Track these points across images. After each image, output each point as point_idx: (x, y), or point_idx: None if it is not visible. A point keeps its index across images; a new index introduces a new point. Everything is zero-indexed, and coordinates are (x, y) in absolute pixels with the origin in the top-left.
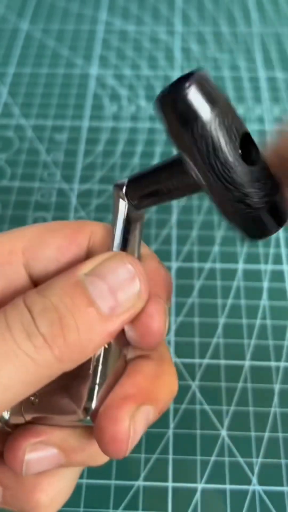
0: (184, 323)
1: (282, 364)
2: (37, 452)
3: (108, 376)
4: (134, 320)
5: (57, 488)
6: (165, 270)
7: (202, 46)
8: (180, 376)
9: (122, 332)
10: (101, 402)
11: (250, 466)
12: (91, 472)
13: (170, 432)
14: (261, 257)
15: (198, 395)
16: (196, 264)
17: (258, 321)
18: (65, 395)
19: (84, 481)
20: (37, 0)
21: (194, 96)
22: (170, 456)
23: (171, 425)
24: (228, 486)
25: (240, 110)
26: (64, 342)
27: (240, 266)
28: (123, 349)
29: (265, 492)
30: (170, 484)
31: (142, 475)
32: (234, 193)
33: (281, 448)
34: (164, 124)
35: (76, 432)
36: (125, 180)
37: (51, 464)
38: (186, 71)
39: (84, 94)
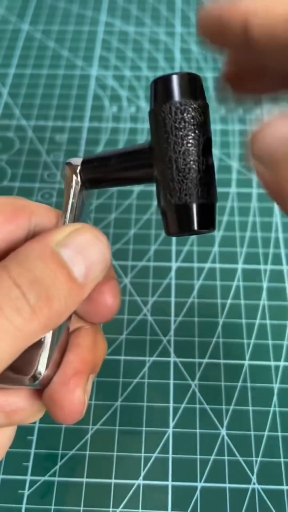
0: (184, 323)
1: (282, 363)
2: None
3: (58, 346)
4: (94, 297)
5: None
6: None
7: (202, 46)
8: (180, 376)
9: None
10: (51, 369)
11: (250, 465)
12: (91, 471)
13: (170, 431)
14: (261, 257)
15: (198, 394)
16: (196, 264)
17: (257, 321)
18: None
19: (84, 480)
20: (38, 1)
21: (185, 84)
22: (170, 455)
23: (171, 424)
24: (227, 485)
25: (240, 110)
26: (49, 310)
27: (240, 266)
28: (68, 322)
29: (265, 491)
30: (170, 483)
31: (142, 474)
32: (180, 183)
33: (281, 447)
34: (154, 96)
35: (20, 394)
36: (79, 160)
37: None
38: (186, 71)
39: (84, 95)
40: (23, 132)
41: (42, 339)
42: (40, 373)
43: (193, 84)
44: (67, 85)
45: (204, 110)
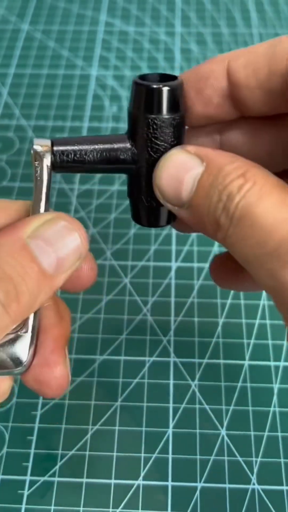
0: (184, 323)
1: (281, 363)
2: None
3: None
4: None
5: None
6: None
7: (202, 46)
8: (180, 376)
9: None
10: (33, 354)
11: (250, 465)
12: (91, 471)
13: (170, 431)
14: None
15: (198, 394)
16: (196, 264)
17: (257, 321)
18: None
19: (84, 480)
20: (38, 1)
21: (166, 96)
22: (170, 456)
23: (171, 424)
24: (227, 486)
25: None
26: (18, 305)
27: None
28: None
29: (265, 491)
30: (169, 483)
31: (142, 474)
32: (146, 183)
33: (280, 448)
34: (133, 99)
35: None
36: (47, 144)
37: None
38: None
39: (84, 94)
40: (23, 132)
41: (24, 330)
42: (26, 361)
43: (179, 94)
44: (67, 85)
45: (184, 119)
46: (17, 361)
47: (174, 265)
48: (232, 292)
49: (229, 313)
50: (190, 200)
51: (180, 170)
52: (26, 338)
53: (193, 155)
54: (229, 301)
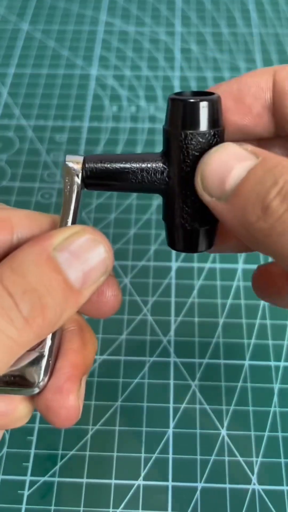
0: (184, 323)
1: (282, 363)
2: None
3: (53, 352)
4: (93, 296)
5: None
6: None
7: (202, 46)
8: (180, 376)
9: None
10: (49, 376)
11: (250, 465)
12: (91, 471)
13: (170, 431)
14: (261, 257)
15: (198, 394)
16: (196, 264)
17: (257, 321)
18: (15, 371)
19: (84, 480)
20: (38, 0)
21: (203, 111)
22: (170, 456)
23: (171, 424)
24: (228, 486)
25: None
26: (43, 320)
27: (240, 266)
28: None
29: (265, 491)
30: (170, 484)
31: (142, 474)
32: (181, 201)
33: (281, 448)
34: (169, 116)
35: (4, 399)
36: (79, 160)
37: None
38: (186, 72)
39: (84, 94)
40: (23, 132)
41: (42, 349)
42: (41, 382)
43: (217, 109)
44: (67, 85)
45: (222, 135)
46: (31, 381)
47: (174, 265)
48: (232, 292)
49: (229, 313)
50: (234, 189)
51: (231, 159)
52: (44, 359)
53: (248, 151)
54: (229, 301)
